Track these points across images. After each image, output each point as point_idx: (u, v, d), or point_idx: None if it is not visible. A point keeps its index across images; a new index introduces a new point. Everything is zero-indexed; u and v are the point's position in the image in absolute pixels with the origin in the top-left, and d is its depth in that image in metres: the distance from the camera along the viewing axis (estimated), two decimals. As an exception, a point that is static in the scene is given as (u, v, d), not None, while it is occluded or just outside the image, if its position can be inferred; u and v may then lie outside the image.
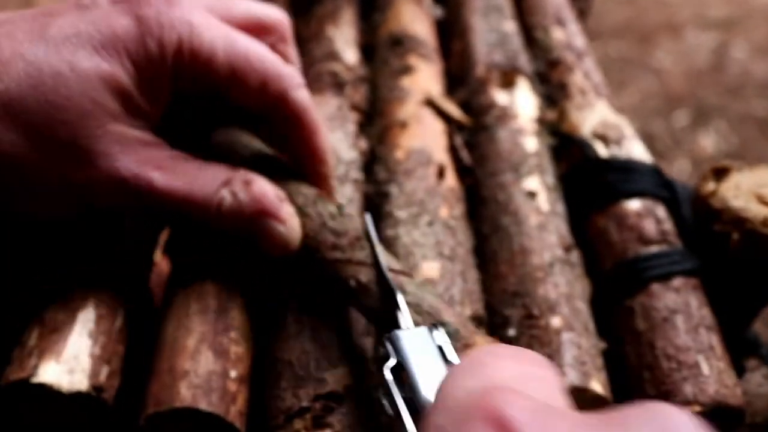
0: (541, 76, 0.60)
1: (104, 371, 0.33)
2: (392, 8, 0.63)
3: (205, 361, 0.34)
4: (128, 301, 0.38)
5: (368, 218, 0.38)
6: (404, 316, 0.33)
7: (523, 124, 0.53)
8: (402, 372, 0.29)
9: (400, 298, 0.34)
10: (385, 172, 0.48)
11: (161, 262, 0.45)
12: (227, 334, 0.35)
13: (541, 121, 0.54)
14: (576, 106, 0.55)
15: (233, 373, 0.34)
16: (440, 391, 0.23)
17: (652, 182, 0.47)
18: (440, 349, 0.30)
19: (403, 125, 0.52)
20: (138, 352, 0.40)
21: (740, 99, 1.62)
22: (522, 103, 0.55)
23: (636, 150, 0.50)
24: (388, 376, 0.29)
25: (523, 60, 0.60)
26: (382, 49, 0.60)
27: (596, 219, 0.47)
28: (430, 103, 0.54)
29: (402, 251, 0.42)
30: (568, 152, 0.52)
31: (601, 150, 0.50)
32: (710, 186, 0.44)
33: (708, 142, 1.53)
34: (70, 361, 0.33)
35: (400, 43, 0.59)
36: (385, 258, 0.36)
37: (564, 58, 0.61)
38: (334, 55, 0.55)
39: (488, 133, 0.53)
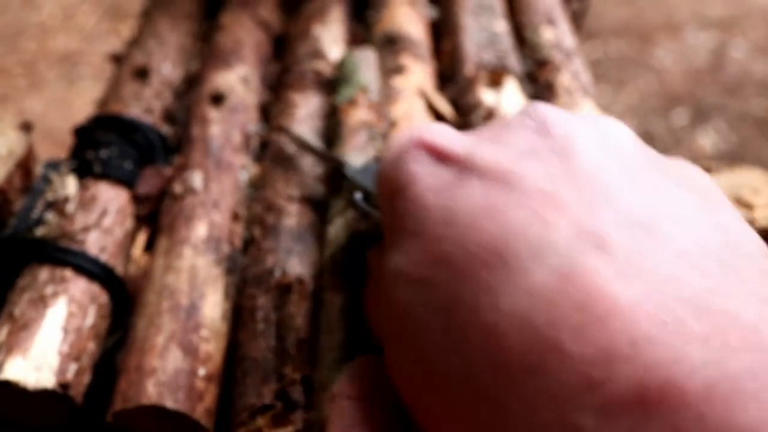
0: (529, 75, 0.60)
1: (72, 368, 0.33)
2: (387, 8, 0.63)
3: (173, 359, 0.34)
4: (102, 298, 0.38)
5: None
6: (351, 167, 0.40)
7: (508, 124, 0.53)
8: (370, 196, 0.35)
9: (345, 160, 0.41)
10: (372, 172, 0.48)
11: (140, 258, 0.45)
12: (197, 333, 0.35)
13: (528, 121, 0.54)
14: (562, 106, 0.55)
15: (202, 372, 0.34)
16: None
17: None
18: None
19: (393, 125, 0.52)
20: (116, 349, 0.40)
21: (739, 98, 1.61)
22: (509, 102, 0.55)
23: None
24: (363, 204, 0.35)
25: (513, 60, 0.60)
26: (376, 48, 0.60)
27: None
28: (424, 96, 0.54)
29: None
30: (552, 152, 0.52)
31: (585, 150, 0.50)
32: (689, 187, 0.44)
33: (707, 141, 1.53)
34: (38, 357, 0.33)
35: (394, 42, 0.59)
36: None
37: (552, 58, 0.61)
38: (318, 54, 0.55)
39: (473, 132, 0.53)
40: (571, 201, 0.22)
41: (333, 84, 0.54)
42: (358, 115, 0.49)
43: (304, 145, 0.46)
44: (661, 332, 0.19)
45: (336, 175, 0.42)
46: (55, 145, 1.34)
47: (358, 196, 0.35)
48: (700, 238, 0.21)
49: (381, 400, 0.28)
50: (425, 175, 0.26)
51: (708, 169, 0.44)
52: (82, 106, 1.43)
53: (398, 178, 0.27)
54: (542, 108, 0.27)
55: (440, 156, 0.26)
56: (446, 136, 0.27)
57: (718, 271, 0.20)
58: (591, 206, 0.22)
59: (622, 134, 0.26)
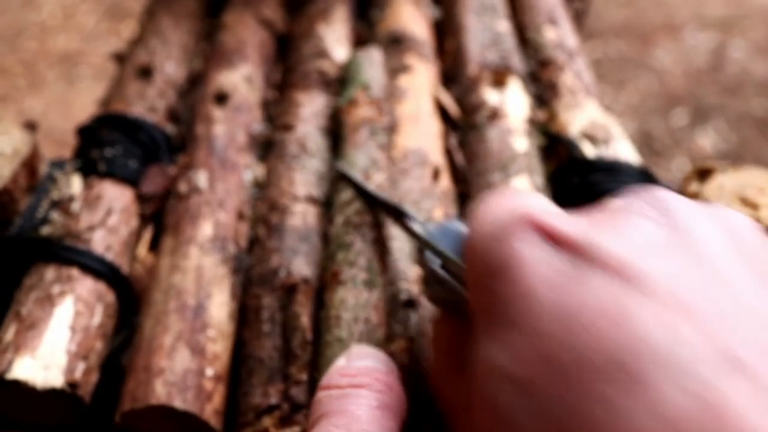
0: (532, 75, 0.60)
1: (80, 367, 0.33)
2: (391, 7, 0.63)
3: (181, 359, 0.34)
4: (109, 297, 0.38)
5: (340, 165, 0.45)
6: (416, 222, 0.36)
7: (513, 124, 0.53)
8: (449, 263, 0.31)
9: (408, 210, 0.37)
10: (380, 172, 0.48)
11: (145, 257, 0.45)
12: (205, 332, 0.35)
13: (532, 121, 0.54)
14: (565, 106, 0.55)
15: (210, 372, 0.34)
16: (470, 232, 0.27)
17: (637, 183, 0.47)
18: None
19: (398, 123, 0.52)
20: (123, 348, 0.40)
21: (739, 98, 1.62)
22: (513, 102, 0.55)
23: (623, 150, 0.50)
24: (440, 271, 0.31)
25: (516, 60, 0.60)
26: (380, 47, 0.60)
27: (581, 219, 0.47)
28: (434, 95, 0.55)
29: (395, 251, 0.42)
30: (556, 152, 0.52)
31: (589, 150, 0.50)
32: (694, 187, 0.44)
33: (707, 141, 1.53)
34: (46, 357, 0.33)
35: (399, 41, 0.59)
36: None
37: (555, 58, 0.61)
38: (322, 53, 0.55)
39: (478, 132, 0.53)
40: (704, 311, 0.20)
41: (339, 86, 0.54)
42: (359, 113, 0.49)
43: (365, 193, 0.42)
44: None
45: (395, 218, 0.39)
46: (56, 144, 1.34)
47: (436, 262, 0.31)
48: None
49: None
50: (536, 260, 0.23)
51: (712, 170, 0.44)
52: (83, 106, 1.43)
53: (501, 257, 0.24)
54: (663, 196, 0.24)
55: (553, 239, 0.24)
56: (559, 217, 0.25)
57: None
58: (726, 319, 0.20)
59: (744, 227, 0.24)
